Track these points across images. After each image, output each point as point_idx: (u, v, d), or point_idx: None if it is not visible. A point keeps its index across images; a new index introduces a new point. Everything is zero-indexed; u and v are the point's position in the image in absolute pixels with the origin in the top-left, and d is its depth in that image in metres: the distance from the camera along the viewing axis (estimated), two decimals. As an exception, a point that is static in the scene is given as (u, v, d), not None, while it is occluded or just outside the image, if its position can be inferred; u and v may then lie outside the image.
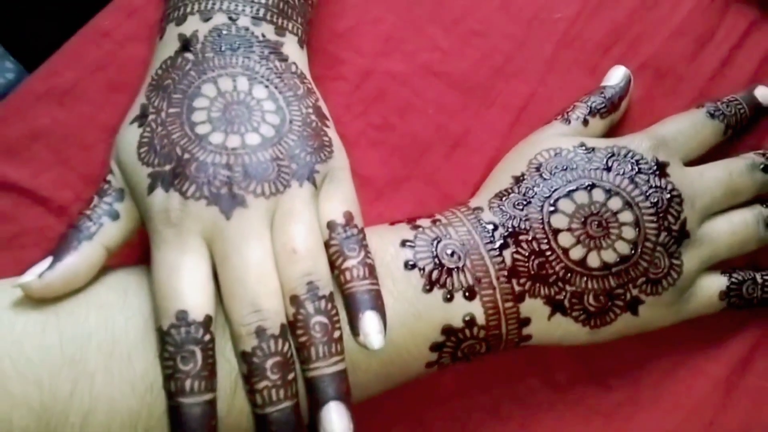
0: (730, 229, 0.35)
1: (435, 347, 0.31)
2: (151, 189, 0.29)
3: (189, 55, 0.32)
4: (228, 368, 0.28)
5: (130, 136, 0.31)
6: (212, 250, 0.28)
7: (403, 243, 0.32)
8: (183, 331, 0.26)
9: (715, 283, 0.35)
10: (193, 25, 0.33)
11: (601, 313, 0.32)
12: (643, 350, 0.36)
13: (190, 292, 0.27)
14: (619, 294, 0.32)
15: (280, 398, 0.27)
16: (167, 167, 0.29)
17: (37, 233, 0.36)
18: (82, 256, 0.29)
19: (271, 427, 0.27)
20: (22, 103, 0.38)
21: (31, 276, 0.28)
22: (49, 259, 0.28)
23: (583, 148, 0.35)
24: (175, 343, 0.26)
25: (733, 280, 0.35)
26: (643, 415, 0.35)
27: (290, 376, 0.27)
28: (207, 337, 0.27)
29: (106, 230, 0.30)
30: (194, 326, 0.27)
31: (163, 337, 0.27)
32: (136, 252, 0.33)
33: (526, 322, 0.32)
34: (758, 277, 0.36)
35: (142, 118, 0.31)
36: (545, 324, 0.32)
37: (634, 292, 0.32)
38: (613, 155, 0.34)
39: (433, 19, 0.42)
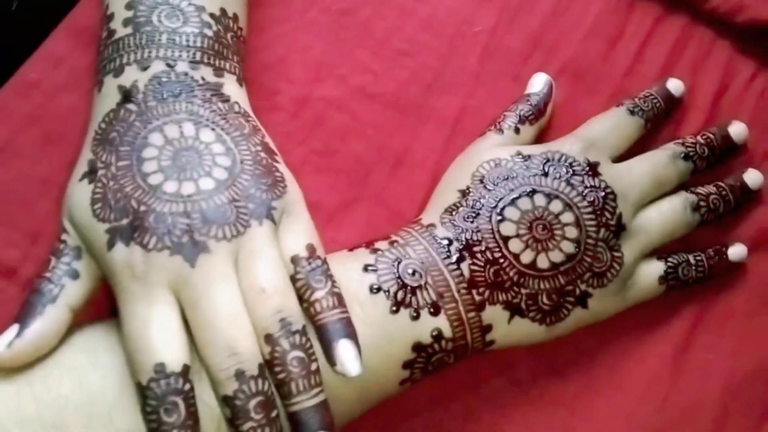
0: (660, 218, 0.37)
1: (407, 365, 0.32)
2: (111, 245, 0.29)
3: (131, 106, 0.32)
4: (209, 413, 0.28)
5: (81, 193, 0.30)
6: (180, 299, 0.28)
7: (366, 268, 0.32)
8: (163, 383, 0.27)
9: (653, 269, 0.37)
10: (132, 75, 0.32)
11: (554, 311, 0.34)
12: (594, 340, 0.38)
13: (165, 344, 0.27)
14: (569, 290, 0.34)
15: None
16: (124, 221, 0.29)
17: (-12, 297, 0.35)
18: (49, 320, 0.28)
19: None
20: (-43, 166, 0.37)
21: None
22: (15, 327, 0.28)
23: (520, 156, 0.36)
24: (157, 397, 0.26)
25: (669, 264, 0.37)
26: (602, 401, 0.37)
27: (273, 414, 0.28)
28: (187, 387, 0.27)
29: (68, 291, 0.29)
30: (173, 377, 0.27)
31: (143, 391, 0.27)
32: (97, 307, 0.32)
33: (489, 328, 0.33)
34: (691, 258, 0.38)
35: (91, 174, 0.30)
36: (506, 328, 0.33)
37: (582, 287, 0.34)
38: (548, 160, 0.36)
39: (360, 42, 0.42)
